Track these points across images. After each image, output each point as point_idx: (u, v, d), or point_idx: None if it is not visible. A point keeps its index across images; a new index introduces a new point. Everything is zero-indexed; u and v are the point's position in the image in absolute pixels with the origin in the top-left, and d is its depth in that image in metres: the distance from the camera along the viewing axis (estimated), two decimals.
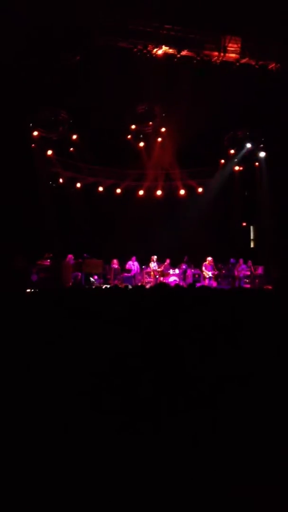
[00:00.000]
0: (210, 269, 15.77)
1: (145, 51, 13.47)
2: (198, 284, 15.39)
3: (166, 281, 15.78)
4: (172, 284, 14.52)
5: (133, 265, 16.26)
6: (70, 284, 14.27)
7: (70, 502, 1.93)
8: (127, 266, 16.22)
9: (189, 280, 16.33)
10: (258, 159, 17.86)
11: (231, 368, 2.87)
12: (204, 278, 15.85)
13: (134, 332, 3.39)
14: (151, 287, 13.71)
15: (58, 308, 4.48)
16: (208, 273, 15.71)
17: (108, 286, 13.63)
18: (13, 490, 1.97)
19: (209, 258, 15.81)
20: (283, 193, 15.72)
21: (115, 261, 16.03)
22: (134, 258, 16.30)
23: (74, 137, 16.62)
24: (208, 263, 15.82)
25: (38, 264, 14.52)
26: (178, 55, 13.76)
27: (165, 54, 13.79)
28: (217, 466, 2.12)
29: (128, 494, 1.96)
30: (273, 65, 14.42)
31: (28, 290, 10.59)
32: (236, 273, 16.23)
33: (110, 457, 2.19)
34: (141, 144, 17.72)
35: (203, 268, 15.89)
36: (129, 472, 2.08)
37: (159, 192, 18.58)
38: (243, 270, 16.25)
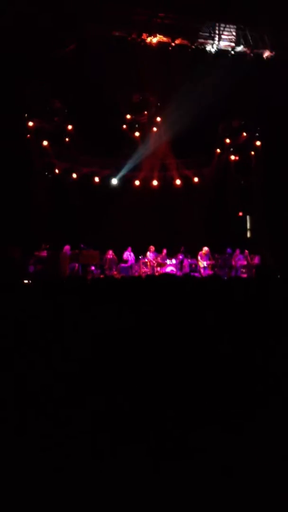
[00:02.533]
0: (206, 259, 15.78)
1: (139, 39, 13.40)
2: (194, 274, 15.47)
3: (163, 271, 15.81)
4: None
5: (129, 255, 16.27)
6: (67, 275, 14.27)
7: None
8: (124, 256, 16.22)
9: (186, 270, 16.34)
10: (253, 148, 17.84)
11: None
12: (200, 268, 15.88)
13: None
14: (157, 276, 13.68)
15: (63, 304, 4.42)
16: (203, 263, 15.72)
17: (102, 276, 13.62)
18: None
19: (205, 248, 15.82)
20: (278, 182, 15.74)
21: (110, 251, 16.01)
22: (129, 248, 16.30)
23: (70, 127, 16.54)
24: (204, 253, 15.83)
25: (35, 255, 14.49)
26: (173, 44, 13.69)
27: (160, 42, 13.72)
28: None
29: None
30: (268, 53, 14.38)
31: (26, 281, 10.60)
32: (233, 262, 16.28)
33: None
34: (137, 134, 17.65)
35: (199, 258, 15.90)
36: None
37: (155, 182, 18.52)
38: (239, 260, 16.28)
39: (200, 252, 15.91)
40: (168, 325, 3.26)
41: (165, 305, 3.64)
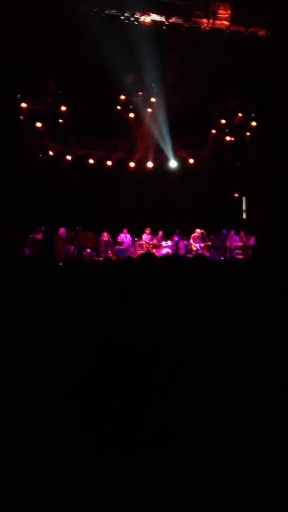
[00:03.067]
0: (198, 241, 15.80)
1: (132, 18, 13.23)
2: (189, 256, 15.49)
3: (159, 253, 15.83)
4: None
5: (125, 237, 16.26)
6: (63, 257, 14.30)
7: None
8: (119, 238, 16.20)
9: (182, 251, 16.38)
10: (249, 129, 17.75)
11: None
12: (193, 250, 15.90)
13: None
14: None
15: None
16: (195, 246, 15.74)
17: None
18: None
19: (197, 230, 15.84)
20: (274, 163, 15.69)
21: (105, 233, 15.99)
22: (125, 230, 16.27)
23: (63, 108, 16.39)
24: (196, 235, 15.85)
25: (31, 238, 14.50)
26: (167, 23, 13.53)
27: (153, 21, 13.55)
28: None
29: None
30: (263, 32, 14.23)
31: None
32: (228, 244, 16.30)
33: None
34: (131, 115, 17.52)
35: (191, 241, 15.92)
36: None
37: (150, 164, 18.44)
38: (234, 241, 16.31)
39: (192, 235, 15.92)
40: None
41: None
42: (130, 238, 16.40)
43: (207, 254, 15.70)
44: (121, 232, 16.30)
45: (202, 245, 15.87)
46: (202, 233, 15.91)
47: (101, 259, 14.53)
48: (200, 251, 15.63)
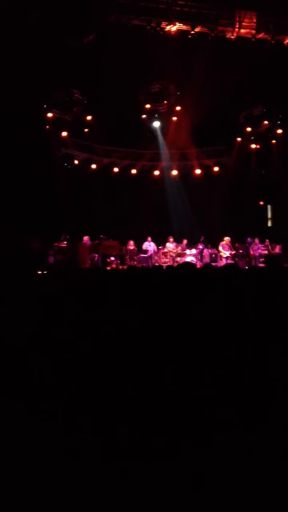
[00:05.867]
0: (227, 249, 15.67)
1: (158, 28, 13.27)
2: (214, 264, 15.39)
3: (183, 261, 15.78)
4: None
5: (149, 245, 16.27)
6: (87, 265, 14.36)
7: None
8: (143, 246, 16.22)
9: (206, 260, 16.29)
10: (275, 136, 17.60)
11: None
12: (221, 258, 15.78)
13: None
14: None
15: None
16: (225, 253, 15.62)
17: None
18: None
19: (227, 238, 15.71)
20: None
21: (131, 242, 16.04)
22: (149, 238, 16.28)
23: (89, 118, 16.53)
24: (226, 242, 15.74)
25: (55, 246, 14.63)
26: (192, 32, 13.54)
27: (179, 31, 13.57)
28: None
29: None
30: None
31: (40, 272, 10.67)
32: (252, 252, 16.14)
33: None
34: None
35: (220, 248, 15.79)
36: None
37: (174, 172, 18.45)
38: (258, 249, 16.14)
39: (221, 242, 15.78)
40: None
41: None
42: (155, 246, 16.39)
43: (232, 262, 15.57)
44: (145, 240, 16.32)
45: (233, 252, 15.75)
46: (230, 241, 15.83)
47: (125, 267, 14.58)
48: (229, 259, 15.49)
